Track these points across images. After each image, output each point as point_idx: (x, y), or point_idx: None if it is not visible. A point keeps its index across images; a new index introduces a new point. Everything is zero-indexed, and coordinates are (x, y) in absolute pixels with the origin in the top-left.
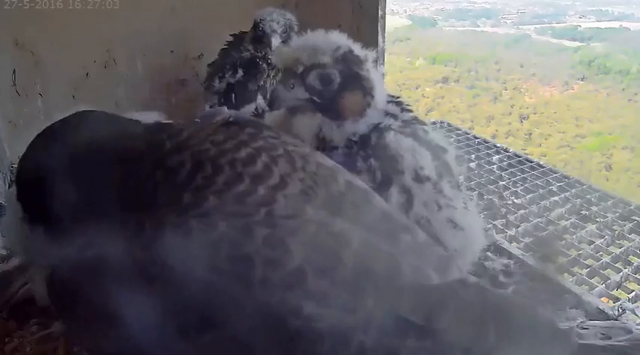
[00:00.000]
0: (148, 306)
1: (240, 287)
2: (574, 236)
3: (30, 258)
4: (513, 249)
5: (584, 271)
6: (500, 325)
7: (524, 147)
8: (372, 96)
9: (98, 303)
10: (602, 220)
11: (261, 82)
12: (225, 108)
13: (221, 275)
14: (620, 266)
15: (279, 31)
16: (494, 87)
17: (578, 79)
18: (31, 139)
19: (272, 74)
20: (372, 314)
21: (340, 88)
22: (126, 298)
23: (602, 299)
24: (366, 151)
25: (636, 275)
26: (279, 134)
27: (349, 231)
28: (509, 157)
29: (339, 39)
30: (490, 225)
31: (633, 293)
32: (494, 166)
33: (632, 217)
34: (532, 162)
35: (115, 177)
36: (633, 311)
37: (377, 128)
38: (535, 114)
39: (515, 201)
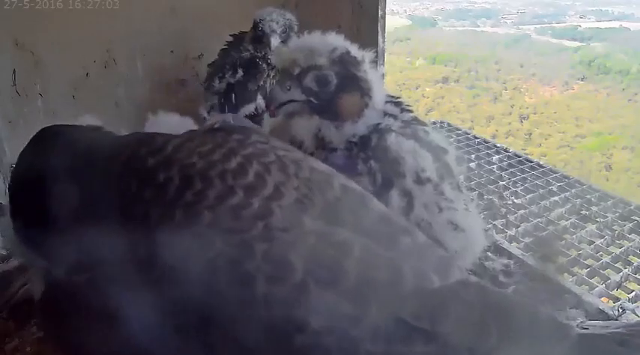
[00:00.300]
0: (147, 322)
1: (242, 305)
2: (574, 236)
3: (29, 258)
4: (513, 249)
5: (584, 271)
6: (501, 324)
7: (524, 147)
8: (370, 97)
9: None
10: (602, 220)
11: (261, 82)
12: (229, 116)
13: (222, 295)
14: (620, 266)
15: (278, 31)
16: (494, 87)
17: (578, 79)
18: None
19: (272, 74)
20: (377, 323)
21: (337, 89)
22: (121, 313)
23: (602, 299)
24: (367, 153)
25: (636, 275)
26: (268, 139)
27: (349, 240)
28: (509, 157)
29: (335, 40)
30: (490, 225)
31: (633, 293)
32: (494, 166)
33: (632, 217)
34: (532, 162)
35: (99, 196)
36: (633, 311)
37: (377, 129)
38: (535, 114)
39: (515, 201)
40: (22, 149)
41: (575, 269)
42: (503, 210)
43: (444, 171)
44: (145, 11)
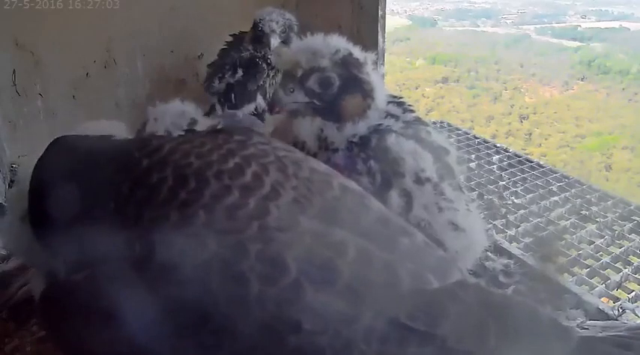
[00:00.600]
0: (143, 321)
1: (236, 305)
2: (574, 236)
3: (29, 258)
4: (513, 249)
5: (584, 271)
6: (501, 326)
7: (524, 147)
8: (373, 99)
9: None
10: (602, 220)
11: (261, 82)
12: (239, 113)
13: (216, 295)
14: (620, 267)
15: (278, 31)
16: (494, 87)
17: (578, 79)
18: (31, 139)
19: (272, 74)
20: (372, 324)
21: (340, 91)
22: (118, 312)
23: (602, 299)
24: (367, 153)
25: (636, 275)
26: (270, 140)
27: (345, 240)
28: (509, 157)
29: (338, 42)
30: (490, 225)
31: (633, 293)
32: (494, 166)
33: (632, 217)
34: (532, 162)
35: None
36: (633, 311)
37: (377, 130)
38: (535, 114)
39: (515, 201)
40: (21, 149)
41: (575, 269)
42: (503, 210)
43: (445, 172)
44: (145, 11)
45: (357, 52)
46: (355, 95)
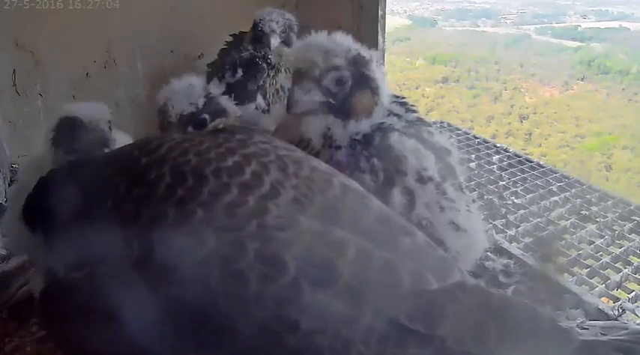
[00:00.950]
0: (143, 320)
1: (235, 304)
2: (574, 236)
3: (28, 256)
4: (513, 249)
5: (584, 271)
6: (501, 327)
7: (524, 147)
8: (379, 96)
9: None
10: (602, 220)
11: (261, 82)
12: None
13: (215, 293)
14: (620, 267)
15: (278, 31)
16: (494, 87)
17: (578, 79)
18: (31, 139)
19: (272, 74)
20: (371, 324)
21: (351, 89)
22: (117, 311)
23: (602, 299)
24: (370, 151)
25: (636, 275)
26: (271, 139)
27: (345, 240)
28: (509, 157)
29: (346, 41)
30: (490, 225)
31: (633, 293)
32: (494, 166)
33: (632, 217)
34: (532, 162)
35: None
36: (633, 311)
37: (380, 128)
38: (535, 114)
39: (515, 201)
40: (21, 149)
41: (575, 269)
42: (503, 210)
43: (447, 172)
44: (144, 11)
45: (364, 50)
46: (365, 92)
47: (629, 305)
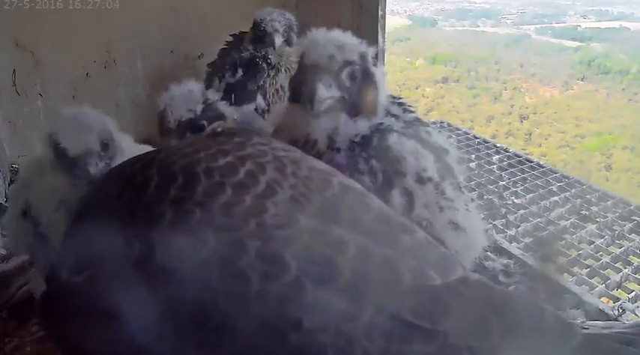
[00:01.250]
0: (144, 321)
1: (237, 303)
2: (574, 236)
3: (28, 254)
4: (513, 249)
5: (584, 271)
6: (504, 322)
7: (524, 147)
8: (379, 93)
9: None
10: (602, 220)
11: (261, 82)
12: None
13: (216, 293)
14: (620, 267)
15: (281, 31)
16: (494, 87)
17: (578, 79)
18: (31, 139)
19: (272, 74)
20: (374, 321)
21: (360, 84)
22: (121, 309)
23: (602, 299)
24: (368, 152)
25: (636, 275)
26: (270, 141)
27: (345, 238)
28: (509, 157)
29: (350, 37)
30: (490, 225)
31: (633, 293)
32: (494, 166)
33: (632, 217)
34: (532, 162)
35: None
36: (633, 311)
37: (379, 129)
38: (535, 114)
39: (515, 201)
40: (21, 149)
41: (575, 269)
42: (503, 210)
43: (445, 172)
44: (144, 11)
45: (364, 47)
46: (370, 89)
47: (629, 305)
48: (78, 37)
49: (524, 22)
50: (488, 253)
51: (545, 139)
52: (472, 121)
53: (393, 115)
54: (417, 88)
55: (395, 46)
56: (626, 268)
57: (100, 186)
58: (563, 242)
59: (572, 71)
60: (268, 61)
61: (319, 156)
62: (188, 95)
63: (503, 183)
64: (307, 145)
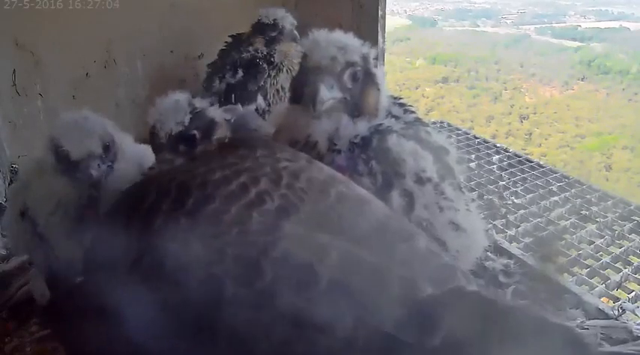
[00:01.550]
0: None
1: (212, 308)
2: (574, 236)
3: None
4: (513, 249)
5: (584, 271)
6: (503, 336)
7: (524, 147)
8: (380, 94)
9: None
10: (602, 220)
11: (262, 83)
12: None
13: (196, 297)
14: (620, 267)
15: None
16: (494, 87)
17: (578, 79)
18: (31, 139)
19: (272, 74)
20: (353, 334)
21: (362, 85)
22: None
23: (602, 299)
24: (368, 154)
25: (636, 275)
26: (275, 151)
27: (329, 245)
28: (509, 157)
29: (352, 38)
30: (490, 225)
31: (633, 293)
32: (494, 166)
33: (632, 217)
34: (532, 162)
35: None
36: (633, 311)
37: (378, 130)
38: (535, 114)
39: (515, 201)
40: (21, 149)
41: (575, 269)
42: (503, 210)
43: (445, 172)
44: (144, 11)
45: (366, 48)
46: (372, 90)
47: (629, 305)
48: (78, 37)
49: (524, 22)
50: (489, 253)
51: (545, 139)
52: (472, 121)
53: (394, 116)
54: (417, 88)
55: (395, 46)
56: (626, 268)
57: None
58: (563, 242)
59: (572, 71)
60: (271, 60)
61: (320, 157)
62: (175, 107)
63: (503, 183)
64: (307, 147)
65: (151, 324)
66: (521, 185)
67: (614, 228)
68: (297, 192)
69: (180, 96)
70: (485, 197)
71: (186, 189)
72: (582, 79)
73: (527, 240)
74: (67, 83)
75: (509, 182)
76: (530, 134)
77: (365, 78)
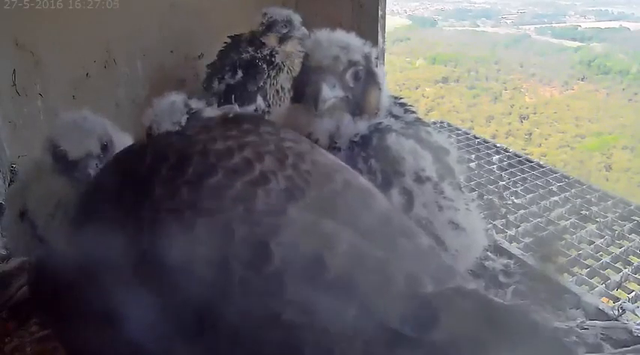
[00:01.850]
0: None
1: (219, 292)
2: (574, 236)
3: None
4: (513, 249)
5: (584, 271)
6: (498, 335)
7: (524, 147)
8: (381, 93)
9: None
10: (602, 220)
11: (261, 83)
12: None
13: (200, 278)
14: (620, 267)
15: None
16: (494, 87)
17: (578, 79)
18: (31, 139)
19: (272, 74)
20: (357, 324)
21: (363, 84)
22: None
23: (602, 299)
24: (367, 152)
25: (636, 275)
26: (279, 130)
27: (337, 234)
28: (509, 157)
29: (354, 37)
30: (490, 225)
31: (633, 293)
32: (494, 166)
33: (632, 217)
34: (532, 162)
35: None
36: (633, 312)
37: (378, 129)
38: (535, 114)
39: (515, 201)
40: (21, 149)
41: (575, 269)
42: (503, 210)
43: (445, 171)
44: (144, 11)
45: (368, 47)
46: (374, 89)
47: (629, 305)
48: (78, 37)
49: (524, 22)
50: (489, 253)
51: (545, 139)
52: (472, 121)
53: (394, 116)
54: (417, 88)
55: (395, 46)
56: (626, 268)
57: (97, 181)
58: (563, 242)
59: (572, 71)
60: (271, 60)
61: None
62: (171, 108)
63: (503, 183)
64: None
65: (152, 321)
66: (521, 185)
67: (614, 228)
68: (302, 175)
69: (177, 98)
70: (485, 197)
71: (186, 156)
72: (582, 79)
73: (527, 240)
74: (67, 83)
75: (509, 182)
76: (530, 134)
77: (367, 77)
